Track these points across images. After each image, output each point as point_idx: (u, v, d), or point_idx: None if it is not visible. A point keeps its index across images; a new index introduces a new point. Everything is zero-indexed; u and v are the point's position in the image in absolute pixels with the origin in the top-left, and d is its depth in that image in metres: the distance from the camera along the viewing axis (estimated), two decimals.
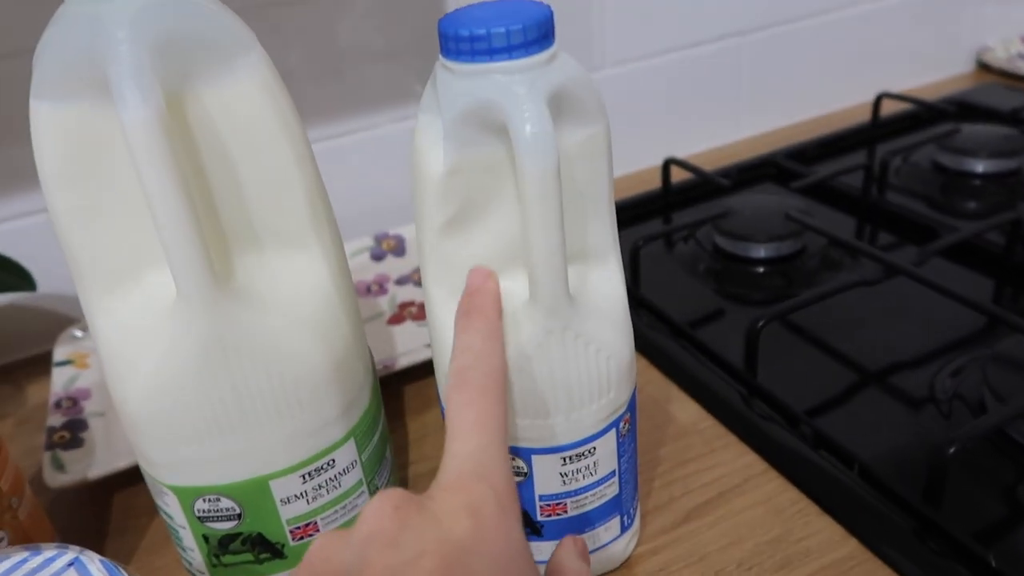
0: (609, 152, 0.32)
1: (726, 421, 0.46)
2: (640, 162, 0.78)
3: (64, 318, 0.59)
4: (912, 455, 0.41)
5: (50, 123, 0.27)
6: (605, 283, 0.33)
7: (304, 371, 0.31)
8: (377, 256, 0.62)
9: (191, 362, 0.29)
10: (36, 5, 0.52)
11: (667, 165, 0.68)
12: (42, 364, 0.58)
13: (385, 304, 0.58)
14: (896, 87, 0.90)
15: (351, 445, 0.35)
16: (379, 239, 0.63)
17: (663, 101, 0.77)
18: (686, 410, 0.47)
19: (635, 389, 0.35)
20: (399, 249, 0.63)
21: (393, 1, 0.62)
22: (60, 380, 0.50)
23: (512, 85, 0.27)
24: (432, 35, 0.64)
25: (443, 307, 0.32)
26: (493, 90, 0.27)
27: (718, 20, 0.76)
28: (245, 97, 0.29)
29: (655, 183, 0.71)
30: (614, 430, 0.33)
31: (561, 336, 0.30)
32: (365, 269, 0.62)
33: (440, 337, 0.32)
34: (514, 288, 0.31)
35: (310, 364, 0.31)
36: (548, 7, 0.28)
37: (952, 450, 0.36)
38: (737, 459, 0.43)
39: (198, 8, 0.28)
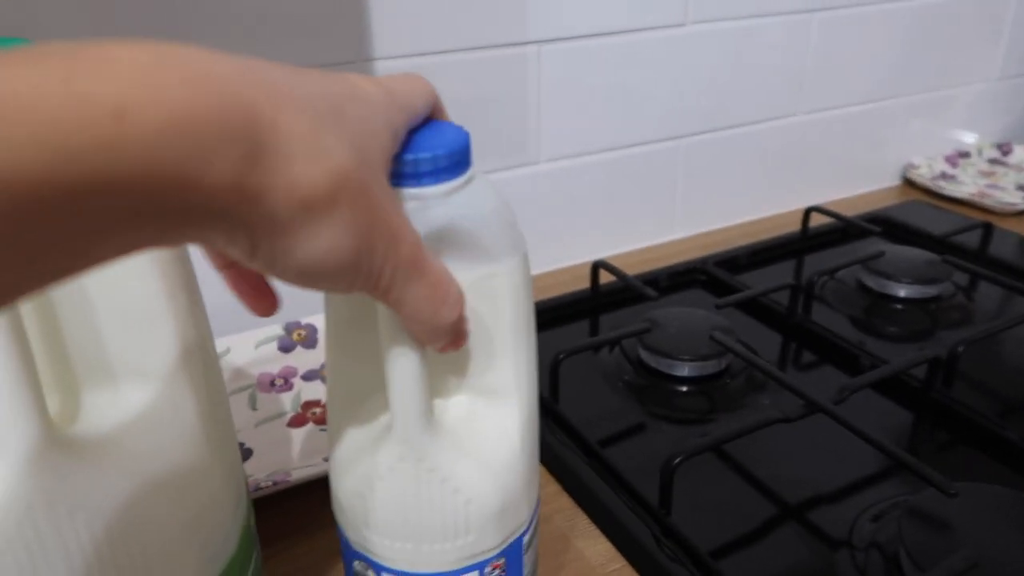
0: (515, 295, 0.30)
1: (638, 565, 0.43)
2: (574, 258, 0.77)
3: None
4: None
5: None
6: (496, 425, 0.30)
7: (156, 535, 0.27)
8: (285, 347, 0.59)
9: (13, 525, 0.25)
10: None
11: (596, 268, 0.67)
12: None
13: (288, 402, 0.54)
14: (827, 195, 0.91)
15: None
16: (289, 329, 0.60)
17: (598, 199, 0.76)
18: (595, 548, 0.44)
19: (523, 537, 0.32)
20: (310, 340, 0.59)
21: None
22: None
23: None
24: None
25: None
26: None
27: (655, 123, 0.76)
28: None
29: (587, 280, 0.69)
30: (477, 572, 0.31)
31: (414, 466, 0.29)
32: (271, 361, 0.58)
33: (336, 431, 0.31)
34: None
35: (164, 527, 0.27)
36: (465, 133, 0.27)
37: None
38: None
39: None
